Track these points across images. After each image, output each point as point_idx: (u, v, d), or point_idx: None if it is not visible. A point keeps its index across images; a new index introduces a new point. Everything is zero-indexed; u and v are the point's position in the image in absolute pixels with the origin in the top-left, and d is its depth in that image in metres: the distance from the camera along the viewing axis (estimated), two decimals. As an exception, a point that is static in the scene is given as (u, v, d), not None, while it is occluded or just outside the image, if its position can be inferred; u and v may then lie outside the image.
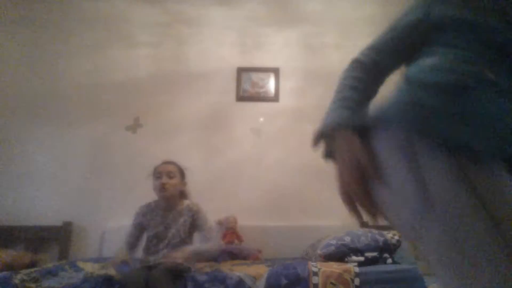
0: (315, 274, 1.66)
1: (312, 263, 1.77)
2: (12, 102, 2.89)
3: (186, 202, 2.03)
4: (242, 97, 2.95)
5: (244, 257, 2.33)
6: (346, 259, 1.87)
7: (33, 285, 1.62)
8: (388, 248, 1.97)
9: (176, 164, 2.05)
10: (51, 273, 1.78)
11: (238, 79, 2.97)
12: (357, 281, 1.63)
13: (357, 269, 1.70)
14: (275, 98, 2.95)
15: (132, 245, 1.98)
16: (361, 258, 1.84)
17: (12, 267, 2.09)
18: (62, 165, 2.79)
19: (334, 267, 1.72)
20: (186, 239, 1.92)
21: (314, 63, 3.01)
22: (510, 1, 0.71)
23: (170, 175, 1.96)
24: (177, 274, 1.71)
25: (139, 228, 2.00)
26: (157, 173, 1.97)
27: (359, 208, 0.71)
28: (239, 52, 3.04)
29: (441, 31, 0.76)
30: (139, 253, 1.97)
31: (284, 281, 1.66)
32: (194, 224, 1.96)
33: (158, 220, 1.96)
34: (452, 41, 0.73)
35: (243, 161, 2.84)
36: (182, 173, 2.05)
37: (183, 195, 2.06)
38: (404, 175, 0.63)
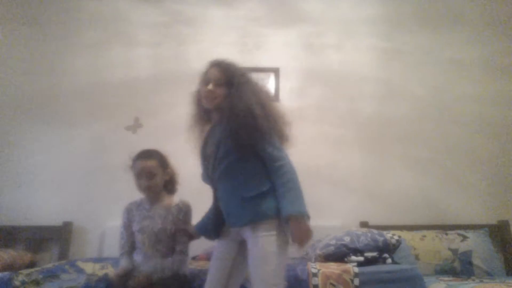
0: (315, 275, 1.66)
1: (312, 264, 1.77)
2: (12, 102, 2.89)
3: (176, 200, 1.90)
4: (242, 97, 2.95)
5: (244, 257, 2.34)
6: (345, 259, 1.86)
7: (33, 287, 1.62)
8: (388, 248, 1.97)
9: (156, 156, 1.87)
10: (52, 273, 1.78)
11: (238, 79, 2.97)
12: (356, 281, 1.63)
13: (356, 269, 1.70)
14: (275, 98, 2.95)
15: (126, 248, 1.85)
16: (361, 258, 1.84)
17: (12, 267, 2.10)
18: (62, 165, 2.79)
19: (334, 268, 1.72)
20: (174, 236, 1.81)
21: (314, 63, 3.01)
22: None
23: (150, 175, 1.80)
24: (183, 282, 1.72)
25: (128, 226, 1.88)
26: (137, 172, 1.81)
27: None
28: (239, 52, 3.04)
29: None
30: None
31: None
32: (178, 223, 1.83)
33: (144, 214, 1.85)
34: None
35: (243, 161, 2.83)
36: (164, 164, 1.89)
37: (170, 184, 1.93)
38: None
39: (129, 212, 1.90)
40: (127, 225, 1.89)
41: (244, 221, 1.40)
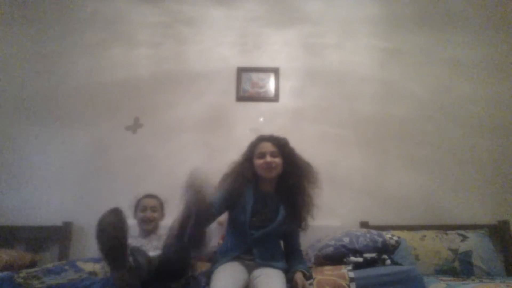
0: (310, 283, 1.62)
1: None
2: (12, 102, 2.89)
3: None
4: (242, 97, 2.95)
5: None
6: (344, 260, 1.85)
7: (35, 281, 1.62)
8: (387, 249, 1.96)
9: (158, 198, 2.23)
10: (52, 272, 1.78)
11: (238, 79, 2.97)
12: (353, 286, 1.58)
13: (351, 274, 1.64)
14: (275, 98, 2.95)
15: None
16: (360, 259, 1.82)
17: (12, 267, 2.10)
18: (62, 165, 2.79)
19: (329, 274, 1.67)
20: None
21: (314, 63, 3.01)
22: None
23: (153, 209, 2.15)
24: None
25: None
26: (142, 207, 2.14)
27: None
28: (239, 52, 3.04)
29: None
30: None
31: None
32: None
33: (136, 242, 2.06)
34: None
35: (243, 161, 2.83)
36: (162, 207, 2.23)
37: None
38: None
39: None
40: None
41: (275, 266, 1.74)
